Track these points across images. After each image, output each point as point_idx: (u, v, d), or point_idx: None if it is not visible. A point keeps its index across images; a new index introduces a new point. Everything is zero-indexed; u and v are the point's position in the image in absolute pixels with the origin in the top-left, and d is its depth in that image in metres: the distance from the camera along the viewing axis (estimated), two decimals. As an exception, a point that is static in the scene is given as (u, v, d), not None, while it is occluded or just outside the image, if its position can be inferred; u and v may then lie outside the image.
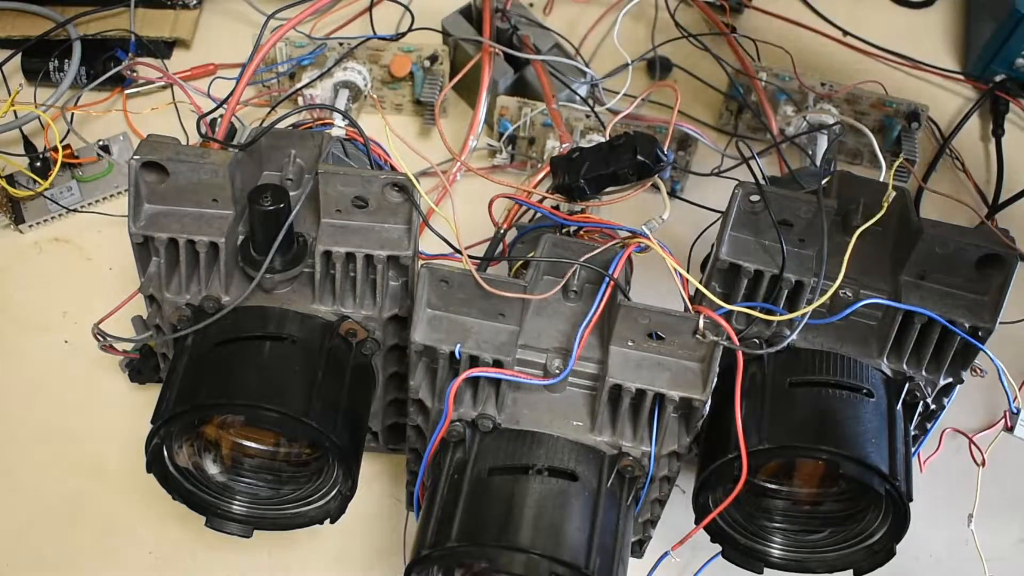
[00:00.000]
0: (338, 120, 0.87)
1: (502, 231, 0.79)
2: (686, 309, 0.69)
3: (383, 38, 1.03)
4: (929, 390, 0.73)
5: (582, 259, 0.70)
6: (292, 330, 0.71)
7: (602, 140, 0.79)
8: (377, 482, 0.87)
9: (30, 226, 0.99)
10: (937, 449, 0.90)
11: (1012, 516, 0.89)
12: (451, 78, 1.03)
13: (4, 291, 0.96)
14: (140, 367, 0.87)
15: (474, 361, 0.68)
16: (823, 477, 0.75)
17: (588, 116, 0.99)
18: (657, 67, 1.11)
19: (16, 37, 1.07)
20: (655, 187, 0.73)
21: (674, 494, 0.75)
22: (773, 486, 0.75)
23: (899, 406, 0.72)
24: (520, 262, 0.76)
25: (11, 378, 0.92)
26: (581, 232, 0.78)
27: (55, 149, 0.96)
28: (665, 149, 0.71)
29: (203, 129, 0.79)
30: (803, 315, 0.69)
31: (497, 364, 0.67)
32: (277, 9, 0.98)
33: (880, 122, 1.04)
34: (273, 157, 0.77)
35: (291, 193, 0.72)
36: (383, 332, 0.74)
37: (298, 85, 1.01)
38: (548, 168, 0.74)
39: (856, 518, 0.73)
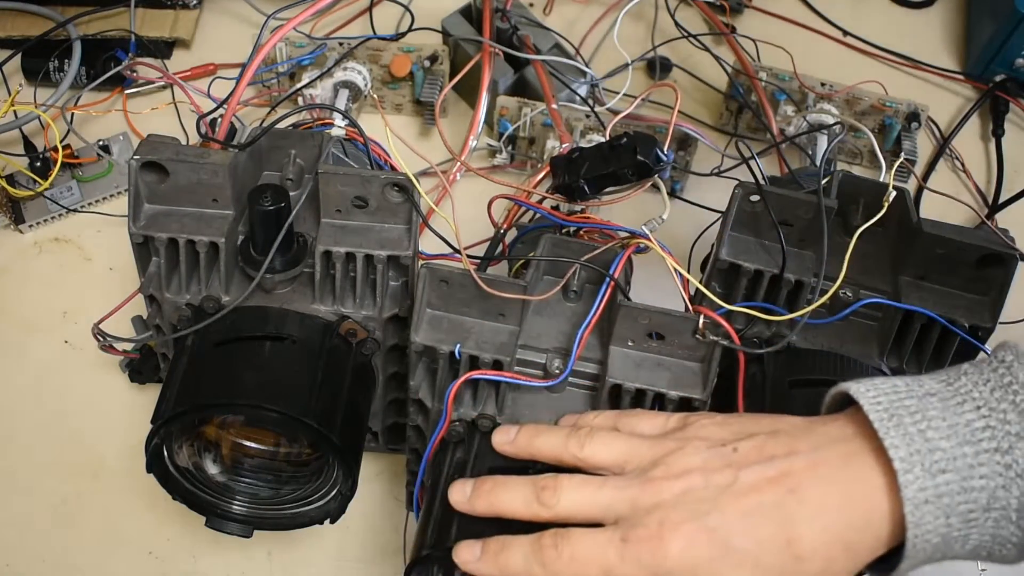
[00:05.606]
0: (338, 120, 0.87)
1: (502, 231, 0.79)
2: (686, 309, 0.69)
3: (383, 38, 1.03)
4: (929, 390, 0.73)
5: (582, 259, 0.70)
6: (292, 330, 0.71)
7: (602, 140, 0.79)
8: (377, 482, 0.87)
9: (30, 226, 0.99)
10: (937, 449, 0.90)
11: (1012, 516, 0.89)
12: (451, 78, 1.03)
13: (4, 291, 0.96)
14: (140, 367, 0.87)
15: (474, 361, 0.68)
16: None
17: (588, 116, 0.99)
18: (657, 67, 1.11)
19: (16, 37, 1.07)
20: (655, 187, 0.73)
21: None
22: None
23: (899, 406, 0.72)
24: (520, 262, 0.76)
25: (11, 378, 0.92)
26: (581, 232, 0.78)
27: (55, 149, 0.96)
28: (665, 149, 0.71)
29: (203, 129, 0.79)
30: (803, 315, 0.69)
31: (497, 364, 0.67)
32: (277, 9, 0.98)
33: (880, 122, 1.04)
34: (273, 157, 0.77)
35: (291, 193, 0.72)
36: (383, 332, 0.74)
37: (298, 85, 1.01)
38: (548, 168, 0.74)
39: None
